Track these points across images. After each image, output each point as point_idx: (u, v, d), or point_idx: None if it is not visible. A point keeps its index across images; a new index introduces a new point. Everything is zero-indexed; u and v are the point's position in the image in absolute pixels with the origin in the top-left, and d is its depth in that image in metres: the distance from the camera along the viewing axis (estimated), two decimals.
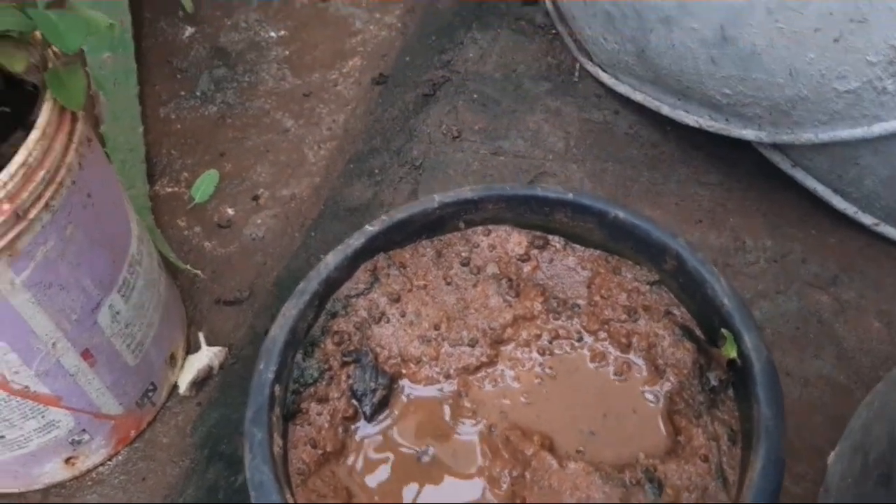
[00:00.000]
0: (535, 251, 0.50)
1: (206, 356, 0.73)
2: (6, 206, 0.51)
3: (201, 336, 0.74)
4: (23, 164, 0.51)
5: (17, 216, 0.51)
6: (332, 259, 0.48)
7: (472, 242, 0.51)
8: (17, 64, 0.52)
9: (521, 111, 0.81)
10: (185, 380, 0.71)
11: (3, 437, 0.60)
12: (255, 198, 0.85)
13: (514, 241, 0.50)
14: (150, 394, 0.69)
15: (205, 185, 0.86)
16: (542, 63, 0.85)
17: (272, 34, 0.98)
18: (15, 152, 0.58)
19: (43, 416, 0.61)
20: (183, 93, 0.93)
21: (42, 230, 0.54)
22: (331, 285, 0.48)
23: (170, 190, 0.86)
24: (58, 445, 0.64)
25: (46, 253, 0.55)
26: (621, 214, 0.48)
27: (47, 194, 0.53)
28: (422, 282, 0.49)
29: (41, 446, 0.63)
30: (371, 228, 0.49)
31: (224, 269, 0.79)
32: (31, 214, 0.52)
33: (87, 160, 0.58)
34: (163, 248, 0.76)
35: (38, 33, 0.54)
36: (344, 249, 0.48)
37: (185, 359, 0.73)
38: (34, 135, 0.52)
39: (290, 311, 0.46)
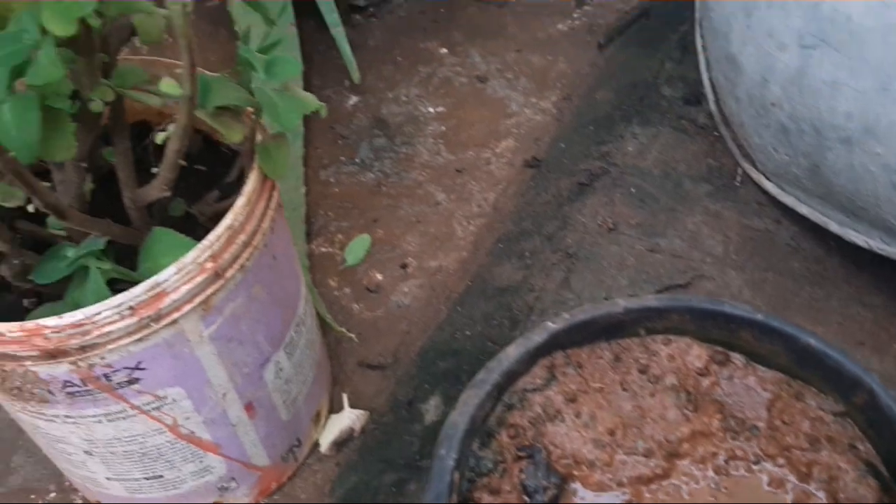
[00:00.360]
0: (715, 366, 0.50)
1: (349, 418, 0.74)
2: (209, 265, 0.54)
3: (345, 397, 0.76)
4: (228, 228, 0.55)
5: (216, 275, 0.55)
6: (512, 352, 0.49)
7: (652, 350, 0.51)
8: (235, 135, 0.55)
9: (679, 210, 0.82)
10: (326, 439, 0.73)
11: (161, 476, 0.63)
12: (404, 266, 0.87)
13: (694, 353, 0.50)
14: (295, 449, 0.71)
15: (357, 248, 0.89)
16: (702, 164, 0.85)
17: (430, 109, 1.02)
18: (212, 211, 0.63)
19: (201, 461, 0.63)
20: (343, 158, 0.98)
21: (234, 289, 0.57)
22: (509, 378, 0.49)
23: (324, 250, 0.89)
24: (207, 489, 0.66)
25: (234, 310, 0.58)
26: (813, 342, 0.48)
27: (244, 256, 0.57)
28: (598, 384, 0.50)
29: (193, 489, 0.65)
30: (553, 325, 0.50)
31: (369, 333, 0.82)
32: (228, 274, 0.56)
33: (276, 224, 0.61)
34: (320, 307, 0.79)
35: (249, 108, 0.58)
36: (525, 343, 0.49)
37: (328, 418, 0.75)
38: (241, 201, 0.56)
39: (470, 399, 0.47)
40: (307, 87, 1.02)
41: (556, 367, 0.50)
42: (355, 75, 1.03)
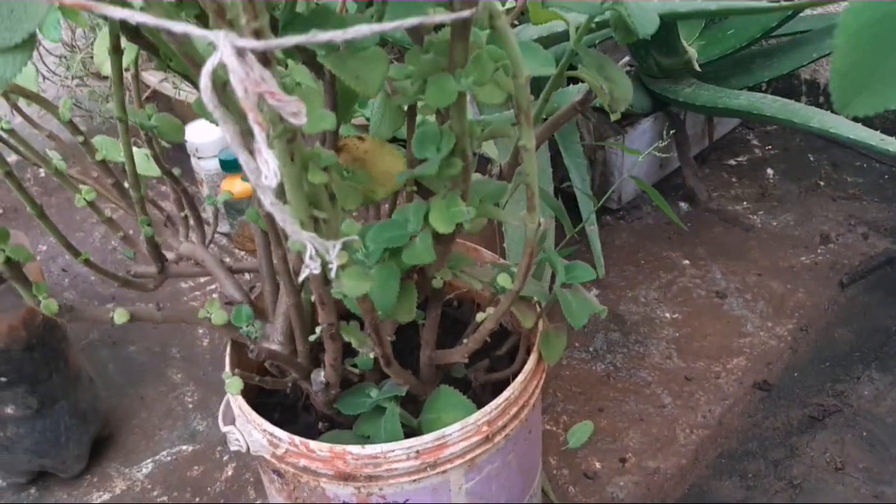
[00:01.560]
0: None
1: None
2: (485, 429, 0.62)
3: None
4: (506, 399, 0.63)
5: (487, 438, 0.62)
6: None
7: None
8: (528, 321, 0.65)
9: None
10: None
11: None
12: (623, 460, 0.92)
13: None
14: None
15: (580, 433, 0.94)
16: None
17: (666, 315, 1.08)
18: (484, 379, 0.72)
19: None
20: (577, 345, 1.05)
21: (496, 453, 0.64)
22: None
23: (548, 428, 0.96)
24: None
25: (490, 471, 0.65)
26: None
27: (510, 426, 0.64)
28: None
29: None
30: None
31: None
32: (496, 439, 0.63)
33: (538, 402, 0.69)
34: (545, 484, 0.84)
35: (535, 299, 0.68)
36: None
37: None
38: (521, 377, 0.64)
39: None
40: None
41: None
42: (601, 270, 1.12)
